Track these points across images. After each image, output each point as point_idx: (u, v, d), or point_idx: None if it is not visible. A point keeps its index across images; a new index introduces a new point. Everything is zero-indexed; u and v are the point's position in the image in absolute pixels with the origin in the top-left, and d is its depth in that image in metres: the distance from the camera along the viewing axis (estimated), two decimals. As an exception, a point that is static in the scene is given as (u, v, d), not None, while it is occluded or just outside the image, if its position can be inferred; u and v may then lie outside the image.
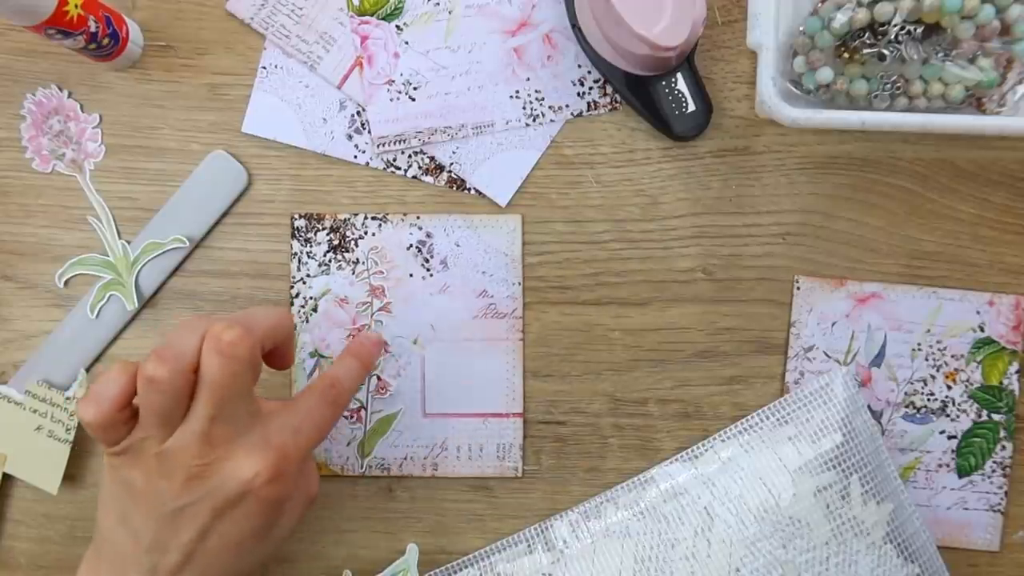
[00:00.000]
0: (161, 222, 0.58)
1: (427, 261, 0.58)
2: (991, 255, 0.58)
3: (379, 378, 0.58)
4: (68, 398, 0.57)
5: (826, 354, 0.58)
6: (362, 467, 0.58)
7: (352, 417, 0.58)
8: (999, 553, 0.58)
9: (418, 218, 0.58)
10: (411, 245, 0.58)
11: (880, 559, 0.53)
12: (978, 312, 0.58)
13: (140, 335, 0.59)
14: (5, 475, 0.57)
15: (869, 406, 0.57)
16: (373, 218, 0.58)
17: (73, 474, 0.58)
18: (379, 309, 0.59)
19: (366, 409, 0.59)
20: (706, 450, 0.56)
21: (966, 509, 0.58)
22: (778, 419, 0.56)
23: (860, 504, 0.53)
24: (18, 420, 0.57)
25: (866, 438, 0.54)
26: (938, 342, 0.58)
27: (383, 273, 0.59)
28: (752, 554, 0.52)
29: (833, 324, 0.58)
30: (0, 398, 0.57)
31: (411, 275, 0.59)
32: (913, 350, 0.58)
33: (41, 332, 0.59)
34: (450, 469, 0.59)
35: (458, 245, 0.58)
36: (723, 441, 0.56)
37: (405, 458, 0.59)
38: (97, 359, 0.59)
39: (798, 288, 0.58)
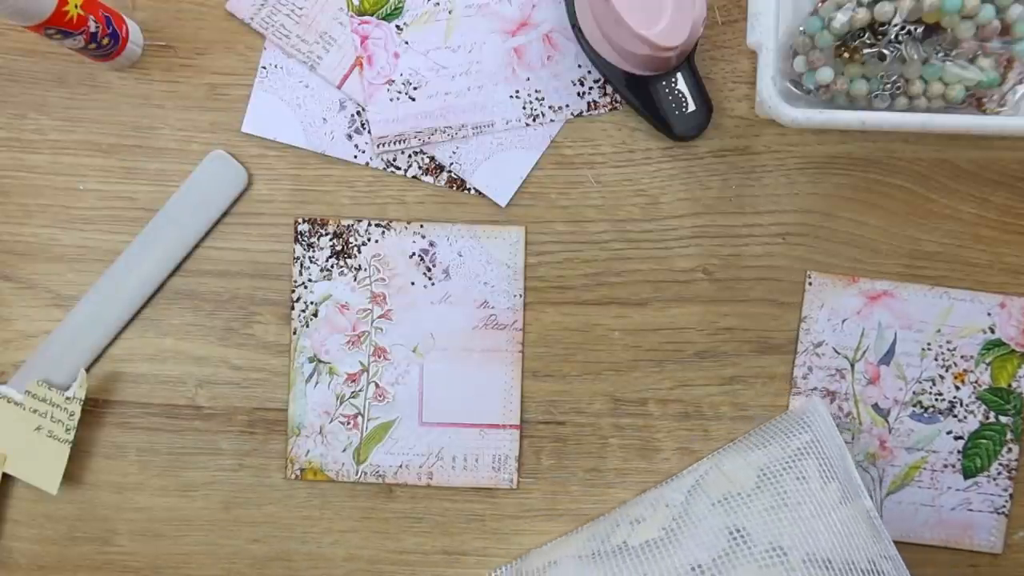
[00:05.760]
0: (161, 222, 0.58)
1: (429, 270, 0.58)
2: (991, 255, 0.58)
3: (377, 385, 0.58)
4: (68, 398, 0.57)
5: (835, 350, 0.58)
6: (357, 474, 0.58)
7: (349, 423, 0.58)
8: (1001, 554, 0.58)
9: (421, 226, 0.58)
10: (414, 253, 0.58)
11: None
12: (989, 314, 0.57)
13: (140, 335, 0.59)
14: (5, 475, 0.57)
15: (876, 404, 0.57)
16: (376, 225, 0.58)
17: (73, 474, 0.58)
18: (379, 316, 0.58)
19: (363, 416, 0.58)
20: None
21: (970, 510, 0.58)
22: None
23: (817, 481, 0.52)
24: (18, 420, 0.57)
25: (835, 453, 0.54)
26: (948, 342, 0.58)
27: (385, 280, 0.58)
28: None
29: (844, 321, 0.58)
30: (0, 398, 0.57)
31: (413, 283, 0.58)
32: (923, 349, 0.58)
33: (41, 332, 0.59)
34: (445, 479, 0.58)
35: (461, 255, 0.58)
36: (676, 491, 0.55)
37: (400, 466, 0.58)
38: (97, 359, 0.59)
39: (810, 283, 0.58)
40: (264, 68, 0.58)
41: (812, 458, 0.53)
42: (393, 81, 0.58)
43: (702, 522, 0.52)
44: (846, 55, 0.53)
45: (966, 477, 0.58)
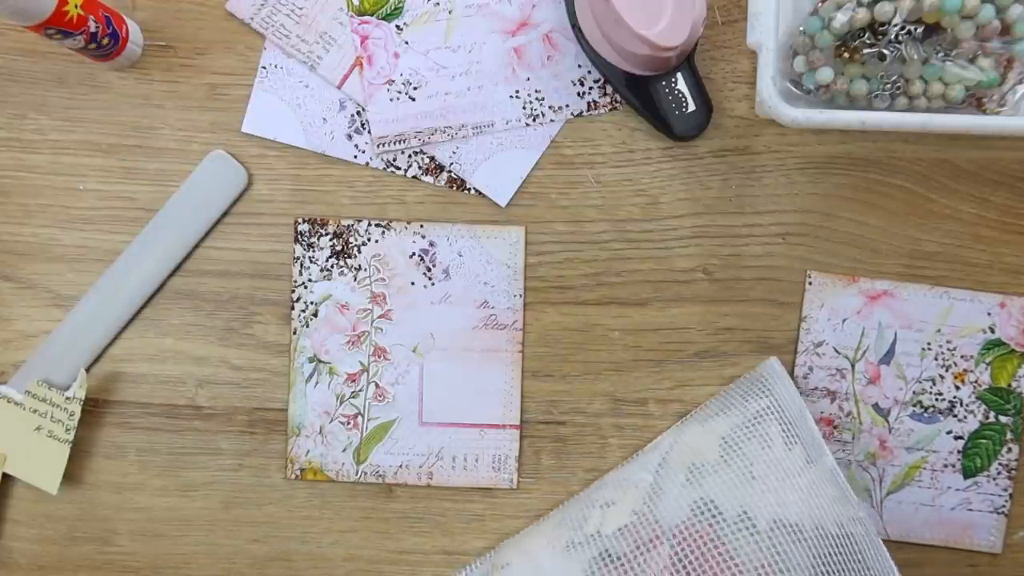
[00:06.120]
0: (161, 222, 0.58)
1: (429, 270, 0.58)
2: (991, 255, 0.58)
3: (377, 385, 0.58)
4: (68, 398, 0.57)
5: (836, 350, 0.58)
6: (357, 474, 0.58)
7: (349, 423, 0.58)
8: (1000, 554, 0.58)
9: (421, 226, 0.58)
10: (414, 253, 0.58)
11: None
12: (989, 313, 0.58)
13: (140, 335, 0.59)
14: (5, 475, 0.57)
15: (876, 404, 0.57)
16: (376, 225, 0.58)
17: (73, 474, 0.59)
18: (379, 316, 0.58)
19: (363, 416, 0.58)
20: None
21: (970, 510, 0.58)
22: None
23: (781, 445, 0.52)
24: (18, 420, 0.57)
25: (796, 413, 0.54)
26: (948, 342, 0.58)
27: (385, 280, 0.59)
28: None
29: (844, 320, 0.58)
30: (0, 398, 0.57)
31: (413, 283, 0.58)
32: (923, 349, 0.58)
33: (41, 332, 0.59)
34: (445, 478, 0.58)
35: (461, 255, 0.58)
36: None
37: (400, 466, 0.58)
38: (97, 359, 0.59)
39: (810, 283, 0.58)
40: (264, 68, 0.58)
41: (774, 422, 0.53)
42: (393, 81, 0.58)
43: (672, 500, 0.52)
44: (846, 55, 0.53)
45: (966, 477, 0.58)
